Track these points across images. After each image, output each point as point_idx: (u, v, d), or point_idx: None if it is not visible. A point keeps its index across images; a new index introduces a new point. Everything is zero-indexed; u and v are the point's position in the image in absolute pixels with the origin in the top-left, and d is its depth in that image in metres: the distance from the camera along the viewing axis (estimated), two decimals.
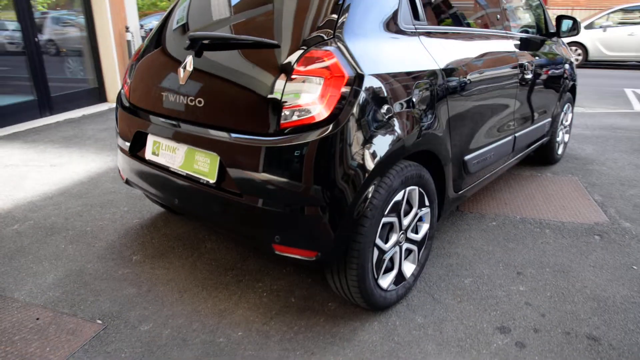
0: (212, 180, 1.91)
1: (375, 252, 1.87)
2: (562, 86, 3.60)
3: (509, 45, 2.70)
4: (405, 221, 2.02)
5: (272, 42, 1.80)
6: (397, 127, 1.79)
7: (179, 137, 2.04)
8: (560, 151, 4.04)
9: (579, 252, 2.59)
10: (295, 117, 1.68)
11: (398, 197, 1.90)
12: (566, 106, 3.91)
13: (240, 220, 1.89)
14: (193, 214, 2.15)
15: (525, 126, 3.07)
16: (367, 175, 1.71)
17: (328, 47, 1.69)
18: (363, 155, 1.71)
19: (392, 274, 2.03)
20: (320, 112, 1.65)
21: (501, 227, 2.89)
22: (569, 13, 16.52)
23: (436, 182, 2.22)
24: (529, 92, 3.02)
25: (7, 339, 1.89)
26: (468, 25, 2.45)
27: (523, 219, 3.01)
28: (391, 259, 2.03)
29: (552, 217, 3.03)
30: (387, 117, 1.76)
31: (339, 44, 1.69)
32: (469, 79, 2.23)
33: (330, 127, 1.65)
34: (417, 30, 2.00)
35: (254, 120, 1.78)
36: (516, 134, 2.92)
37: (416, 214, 2.07)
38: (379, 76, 1.75)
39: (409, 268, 2.16)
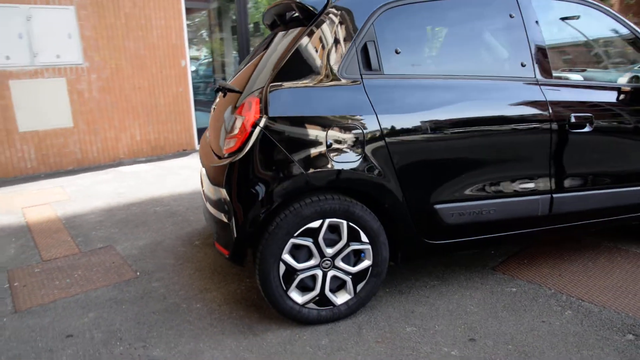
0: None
1: (282, 267, 2.19)
2: None
3: (528, 94, 2.44)
4: (330, 250, 2.24)
5: (238, 90, 2.38)
6: (299, 163, 2.10)
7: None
8: None
9: (577, 344, 2.15)
10: (228, 146, 2.22)
11: (313, 224, 2.17)
12: None
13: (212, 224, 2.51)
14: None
15: (582, 188, 2.62)
16: (262, 197, 2.10)
17: (256, 94, 2.17)
18: (260, 180, 2.11)
19: (312, 294, 2.27)
20: (237, 143, 2.15)
21: (516, 295, 2.57)
22: None
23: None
24: (588, 150, 2.58)
25: (89, 268, 3.00)
26: (465, 71, 2.39)
27: (556, 294, 2.58)
28: (314, 280, 2.27)
29: (596, 301, 2.49)
30: (288, 153, 2.10)
31: (264, 91, 2.14)
32: (429, 128, 2.25)
33: (238, 155, 2.12)
34: (363, 79, 2.21)
35: (220, 148, 2.39)
36: (554, 195, 2.56)
37: (345, 246, 2.25)
38: (287, 118, 2.11)
39: (342, 297, 2.33)
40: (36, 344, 2.22)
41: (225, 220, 2.22)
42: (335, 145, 2.15)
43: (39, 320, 2.42)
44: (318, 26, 2.26)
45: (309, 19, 2.31)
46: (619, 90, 2.72)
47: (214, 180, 2.32)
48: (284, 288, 2.23)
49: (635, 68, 2.84)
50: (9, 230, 3.68)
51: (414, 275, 2.83)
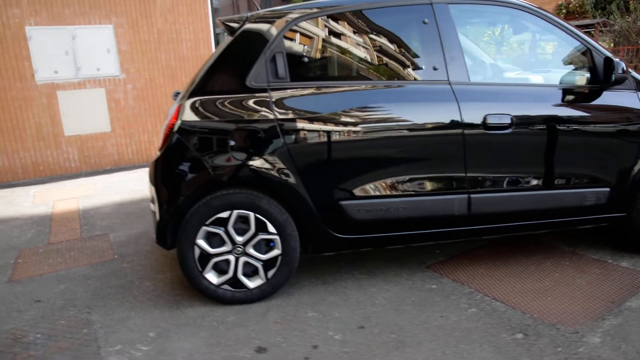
0: None
1: (197, 250, 2.51)
2: (634, 150, 2.68)
3: (437, 96, 2.52)
4: (240, 238, 2.51)
5: (179, 94, 2.75)
6: (205, 161, 2.42)
7: None
8: None
9: (460, 338, 2.22)
10: (159, 144, 2.60)
11: (223, 215, 2.47)
12: None
13: None
14: None
15: (506, 189, 2.63)
16: (172, 190, 2.46)
17: (180, 101, 2.52)
18: (175, 174, 2.47)
19: (226, 277, 2.56)
20: (162, 142, 2.53)
21: (432, 292, 2.66)
22: None
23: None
24: (509, 151, 2.59)
25: (81, 250, 3.54)
26: (371, 77, 2.58)
27: (473, 292, 2.62)
28: (228, 264, 2.56)
29: (510, 301, 2.50)
30: (196, 152, 2.42)
31: (183, 100, 2.49)
32: (328, 130, 2.45)
33: (161, 152, 2.49)
34: (270, 87, 2.47)
35: None
36: (472, 195, 2.61)
37: (254, 235, 2.51)
38: (197, 122, 2.43)
39: (255, 281, 2.59)
40: (12, 305, 2.75)
41: (152, 209, 2.59)
42: (238, 146, 2.44)
43: (23, 288, 2.96)
44: (235, 40, 2.56)
45: (233, 34, 2.62)
46: (553, 89, 2.69)
47: (149, 174, 2.70)
48: (200, 269, 2.54)
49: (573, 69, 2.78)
50: (36, 218, 4.39)
51: (347, 267, 3.01)
